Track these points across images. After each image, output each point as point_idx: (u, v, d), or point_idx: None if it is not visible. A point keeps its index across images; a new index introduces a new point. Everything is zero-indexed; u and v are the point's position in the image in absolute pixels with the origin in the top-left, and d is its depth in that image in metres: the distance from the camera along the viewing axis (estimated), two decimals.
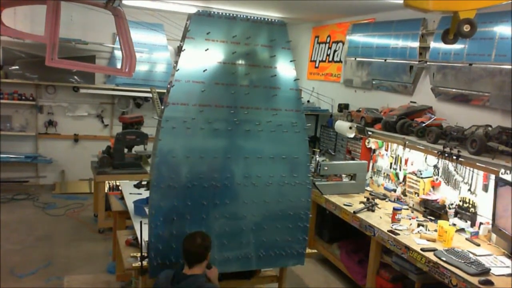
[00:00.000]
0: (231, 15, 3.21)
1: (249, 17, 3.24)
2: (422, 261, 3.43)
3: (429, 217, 4.26)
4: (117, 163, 5.51)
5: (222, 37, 3.17)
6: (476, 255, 3.39)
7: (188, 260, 2.81)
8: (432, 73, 4.55)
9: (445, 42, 3.01)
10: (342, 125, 5.27)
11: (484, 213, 3.85)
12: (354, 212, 4.33)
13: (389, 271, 4.05)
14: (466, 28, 2.74)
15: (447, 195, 4.26)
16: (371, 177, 5.33)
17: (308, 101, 6.81)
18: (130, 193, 4.46)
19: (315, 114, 6.67)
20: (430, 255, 3.40)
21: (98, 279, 4.57)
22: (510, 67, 3.68)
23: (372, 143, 5.24)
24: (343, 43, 6.25)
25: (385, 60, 5.30)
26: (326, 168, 4.90)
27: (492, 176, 3.62)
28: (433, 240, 3.67)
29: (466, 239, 3.78)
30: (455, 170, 4.13)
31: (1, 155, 6.89)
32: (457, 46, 4.12)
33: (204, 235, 2.89)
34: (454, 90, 4.31)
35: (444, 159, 3.91)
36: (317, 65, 7.04)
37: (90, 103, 7.52)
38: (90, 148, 6.93)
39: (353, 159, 5.46)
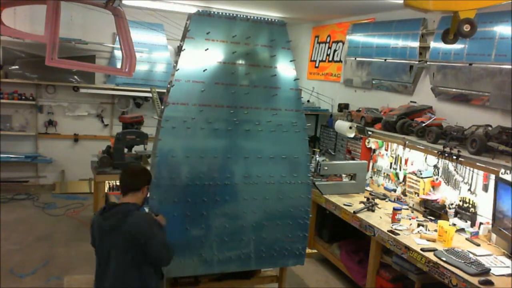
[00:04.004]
0: (231, 15, 3.21)
1: (249, 17, 3.25)
2: (422, 261, 3.43)
3: (429, 217, 4.26)
4: (117, 163, 5.51)
5: (222, 37, 3.17)
6: (476, 255, 3.39)
7: (122, 189, 2.79)
8: (432, 73, 4.55)
9: (445, 42, 3.01)
10: (342, 125, 5.27)
11: (484, 213, 3.84)
12: (354, 212, 4.33)
13: (389, 271, 4.05)
14: (466, 28, 2.74)
15: (447, 195, 4.26)
16: (371, 177, 5.33)
17: (308, 101, 6.80)
18: None
19: (315, 114, 6.67)
20: (430, 255, 3.40)
21: None
22: (510, 67, 3.68)
23: (372, 143, 5.24)
24: (343, 43, 6.25)
25: (385, 60, 5.30)
26: (326, 168, 4.90)
27: (492, 176, 3.62)
28: (433, 240, 3.67)
29: (466, 239, 3.78)
30: (455, 170, 4.13)
31: (1, 155, 6.89)
32: (457, 46, 4.12)
33: (141, 168, 2.91)
34: (454, 90, 4.30)
35: (444, 159, 3.91)
36: (317, 65, 7.04)
37: (90, 103, 7.51)
38: (90, 148, 6.92)
39: (353, 159, 5.46)
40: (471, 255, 3.37)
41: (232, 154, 3.23)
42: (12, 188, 7.07)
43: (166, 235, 2.84)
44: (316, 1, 5.20)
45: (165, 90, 3.46)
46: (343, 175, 5.15)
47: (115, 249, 2.67)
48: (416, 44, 4.81)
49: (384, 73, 5.36)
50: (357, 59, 5.83)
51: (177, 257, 3.15)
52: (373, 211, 4.42)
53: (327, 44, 6.77)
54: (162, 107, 3.17)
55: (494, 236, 3.68)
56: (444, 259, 3.31)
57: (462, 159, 3.70)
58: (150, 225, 2.68)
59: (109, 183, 5.80)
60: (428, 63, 4.62)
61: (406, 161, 4.81)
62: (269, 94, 3.31)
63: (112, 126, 7.64)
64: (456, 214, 4.08)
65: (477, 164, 3.58)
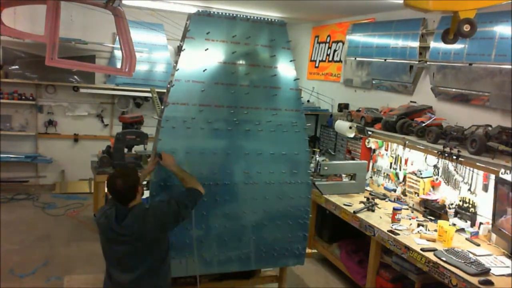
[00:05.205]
0: (231, 15, 3.22)
1: (249, 17, 3.25)
2: (422, 261, 3.43)
3: (429, 217, 4.26)
4: (117, 163, 5.51)
5: (222, 37, 3.17)
6: (476, 255, 3.39)
7: (121, 201, 2.68)
8: (432, 73, 4.55)
9: (445, 42, 3.01)
10: (342, 125, 5.27)
11: (484, 213, 3.84)
12: (354, 212, 4.33)
13: (389, 271, 4.05)
14: (466, 28, 2.74)
15: (447, 195, 4.26)
16: (371, 177, 5.33)
17: (308, 101, 6.80)
18: None
19: (315, 114, 6.67)
20: (430, 255, 3.40)
21: (98, 279, 4.54)
22: (510, 67, 3.68)
23: (372, 143, 5.24)
24: (343, 43, 6.25)
25: (385, 60, 5.30)
26: (326, 168, 4.90)
27: (492, 176, 3.62)
28: (433, 240, 3.67)
29: (466, 239, 3.78)
30: (455, 170, 4.13)
31: (1, 155, 6.89)
32: (457, 46, 4.12)
33: (123, 173, 2.71)
34: (454, 90, 4.31)
35: (444, 159, 3.91)
36: (317, 65, 7.04)
37: (90, 103, 7.51)
38: (90, 148, 6.91)
39: (353, 159, 5.46)
40: (471, 255, 3.37)
41: (232, 154, 3.24)
42: (12, 188, 7.06)
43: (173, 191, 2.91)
44: (316, 1, 5.20)
45: (165, 90, 3.46)
46: (343, 175, 5.15)
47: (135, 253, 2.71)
48: (416, 44, 4.81)
49: (384, 73, 5.36)
50: (357, 59, 5.83)
51: (177, 257, 3.15)
52: (373, 211, 4.42)
53: (327, 44, 6.77)
54: (162, 107, 3.17)
55: (494, 236, 3.68)
56: (444, 259, 3.31)
57: (462, 159, 3.70)
58: (143, 219, 2.65)
59: None
60: (428, 63, 4.62)
61: (406, 161, 4.81)
62: (269, 94, 3.31)
63: (112, 126, 7.64)
64: (456, 214, 4.08)
65: (477, 164, 3.58)
